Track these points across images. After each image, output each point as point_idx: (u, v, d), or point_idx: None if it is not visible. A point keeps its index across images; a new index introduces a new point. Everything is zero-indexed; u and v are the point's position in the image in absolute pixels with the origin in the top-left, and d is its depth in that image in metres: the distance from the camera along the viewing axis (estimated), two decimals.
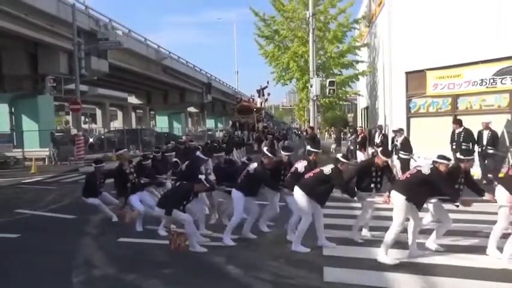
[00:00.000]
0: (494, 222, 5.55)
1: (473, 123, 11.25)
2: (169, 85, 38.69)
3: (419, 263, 5.32)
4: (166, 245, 6.33)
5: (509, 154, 11.12)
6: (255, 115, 27.18)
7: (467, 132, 10.88)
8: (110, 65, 24.13)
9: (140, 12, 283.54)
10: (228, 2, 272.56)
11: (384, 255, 5.36)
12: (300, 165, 6.46)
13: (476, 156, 10.86)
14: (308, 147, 6.99)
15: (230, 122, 34.44)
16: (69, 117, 58.93)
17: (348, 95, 23.78)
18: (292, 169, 6.50)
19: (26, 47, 20.65)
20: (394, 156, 12.07)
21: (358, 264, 5.32)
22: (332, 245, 5.99)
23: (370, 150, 13.55)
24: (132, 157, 8.36)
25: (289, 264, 5.41)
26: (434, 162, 5.54)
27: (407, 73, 14.83)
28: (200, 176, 6.50)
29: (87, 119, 63.46)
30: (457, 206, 5.53)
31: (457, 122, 11.14)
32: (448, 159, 5.53)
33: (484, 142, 10.69)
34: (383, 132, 14.18)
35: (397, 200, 5.36)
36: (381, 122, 17.62)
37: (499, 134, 10.86)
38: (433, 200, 5.71)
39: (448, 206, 5.78)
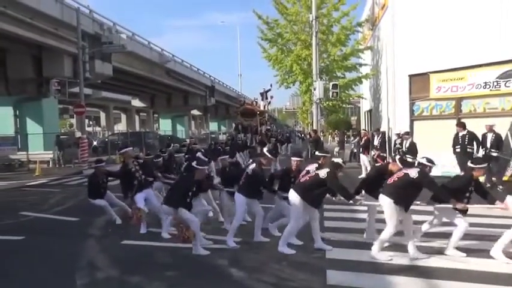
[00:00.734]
0: (496, 225, 5.55)
1: (477, 126, 11.22)
2: (172, 88, 38.84)
3: (421, 266, 5.33)
4: (170, 247, 6.37)
5: None
6: (258, 118, 27.13)
7: (471, 135, 10.86)
8: (114, 68, 24.28)
9: (143, 16, 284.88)
10: (231, 6, 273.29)
11: (377, 251, 5.45)
12: (312, 168, 6.46)
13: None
14: (317, 152, 6.99)
15: (233, 125, 34.47)
16: (73, 120, 59.20)
17: (351, 98, 23.75)
18: (303, 172, 6.50)
19: (31, 51, 20.83)
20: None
21: (361, 267, 5.32)
22: (329, 247, 6.01)
23: (373, 153, 13.54)
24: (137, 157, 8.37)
25: (292, 267, 5.42)
26: (421, 165, 5.61)
27: (410, 76, 14.81)
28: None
29: (91, 122, 63.77)
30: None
31: (461, 125, 11.13)
32: (433, 163, 5.62)
33: (488, 145, 10.67)
34: (381, 134, 14.17)
35: (385, 204, 5.46)
36: (384, 124, 17.60)
37: (503, 136, 10.82)
38: (441, 205, 5.69)
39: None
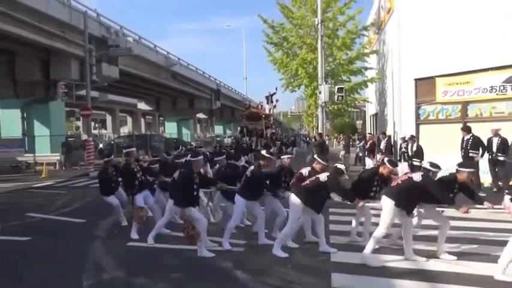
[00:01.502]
0: (500, 230, 5.52)
1: (483, 130, 11.17)
2: (178, 91, 38.99)
3: (425, 270, 5.31)
4: (175, 249, 6.40)
5: None
6: (264, 121, 27.13)
7: (475, 139, 10.80)
8: (120, 71, 24.43)
9: (149, 19, 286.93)
10: (237, 9, 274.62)
11: (369, 252, 5.49)
12: (305, 170, 6.55)
13: (486, 163, 10.83)
14: (315, 156, 7.01)
15: (238, 128, 34.51)
16: (80, 123, 59.57)
17: (356, 102, 23.74)
18: (297, 174, 6.59)
19: (39, 54, 21.03)
20: (404, 164, 12.05)
21: (366, 270, 5.31)
22: (333, 250, 6.02)
23: (379, 157, 13.51)
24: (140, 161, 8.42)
25: (297, 269, 5.42)
26: (425, 169, 5.62)
27: (416, 80, 14.79)
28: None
29: (97, 125, 64.13)
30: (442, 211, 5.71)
31: (466, 129, 11.08)
32: (439, 168, 5.64)
33: (494, 149, 10.61)
34: (387, 138, 14.13)
35: (386, 205, 5.49)
36: (390, 128, 17.56)
37: (510, 140, 10.76)
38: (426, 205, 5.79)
39: (452, 213, 5.75)
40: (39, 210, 10.08)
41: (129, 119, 62.03)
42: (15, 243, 7.15)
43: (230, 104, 53.52)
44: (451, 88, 13.49)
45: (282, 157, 6.97)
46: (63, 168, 21.01)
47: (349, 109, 26.42)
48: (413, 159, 11.57)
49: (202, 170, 7.63)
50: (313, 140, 24.63)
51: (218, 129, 63.75)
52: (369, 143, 14.94)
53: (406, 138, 12.64)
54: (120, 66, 24.33)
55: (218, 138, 46.22)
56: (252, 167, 6.57)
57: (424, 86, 14.45)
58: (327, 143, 19.34)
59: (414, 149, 11.94)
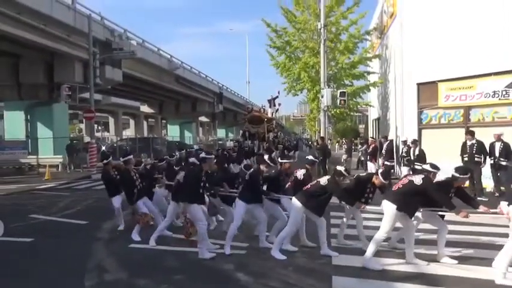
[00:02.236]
0: (501, 235, 5.53)
1: (485, 135, 11.17)
2: (181, 95, 39.11)
3: (426, 273, 5.32)
4: (177, 251, 6.43)
5: None
6: (266, 125, 27.16)
7: (480, 144, 10.82)
8: (124, 74, 24.54)
9: (153, 23, 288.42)
10: (241, 14, 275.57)
11: (370, 256, 5.51)
12: (299, 173, 6.60)
13: (488, 168, 10.83)
14: (309, 157, 7.08)
15: (240, 132, 34.58)
16: (83, 125, 59.79)
17: (359, 106, 23.72)
18: (292, 178, 6.68)
19: (43, 57, 21.16)
20: (405, 168, 12.07)
21: (367, 273, 5.32)
22: (335, 253, 6.03)
23: (380, 161, 13.54)
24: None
25: (298, 272, 5.44)
26: (425, 171, 5.65)
27: (419, 84, 14.79)
28: None
29: (100, 127, 64.30)
30: (443, 217, 5.74)
31: (470, 134, 11.09)
32: (438, 169, 5.69)
33: (497, 154, 10.63)
34: (388, 142, 14.14)
35: (388, 209, 5.51)
36: (392, 133, 17.55)
37: None
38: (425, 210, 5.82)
39: (453, 218, 5.75)
40: (42, 211, 10.14)
41: (132, 122, 62.21)
42: (18, 244, 7.20)
43: (232, 107, 53.64)
44: (454, 93, 13.49)
45: (281, 161, 7.01)
46: (68, 170, 21.08)
47: (352, 113, 26.39)
48: (416, 163, 11.59)
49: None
50: (315, 143, 24.64)
51: (220, 133, 63.85)
52: (371, 147, 14.95)
53: (408, 142, 12.66)
54: (124, 69, 24.46)
55: (220, 142, 46.27)
56: (251, 170, 6.61)
57: (427, 91, 14.45)
58: (329, 147, 19.35)
59: (416, 153, 11.96)
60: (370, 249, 5.54)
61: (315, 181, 6.15)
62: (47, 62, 21.57)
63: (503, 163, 10.51)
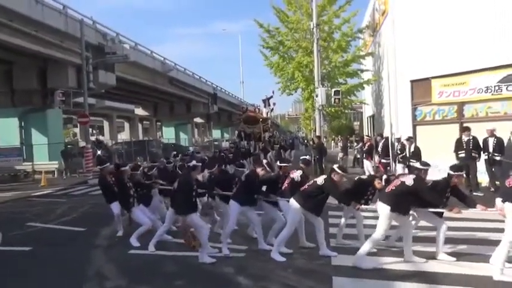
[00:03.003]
0: (498, 230, 5.59)
1: (479, 131, 11.26)
2: (175, 96, 39.07)
3: (425, 271, 5.37)
4: (177, 256, 6.43)
5: None
6: (261, 125, 27.22)
7: (475, 140, 10.92)
8: (117, 78, 24.47)
9: (144, 25, 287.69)
10: (233, 14, 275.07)
11: (363, 254, 5.56)
12: (296, 175, 6.63)
13: (483, 163, 10.93)
14: (304, 157, 7.13)
15: (236, 132, 34.57)
16: (77, 130, 59.45)
17: (353, 104, 23.81)
18: (288, 179, 6.69)
19: (36, 63, 21.05)
20: (400, 166, 12.14)
21: (367, 274, 5.36)
22: (334, 254, 6.07)
23: (376, 158, 13.60)
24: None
25: (298, 274, 5.47)
26: (417, 169, 5.72)
27: (412, 81, 14.88)
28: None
29: (94, 131, 63.98)
30: (441, 214, 5.82)
31: (467, 130, 11.19)
32: (429, 165, 5.80)
33: (490, 149, 10.71)
34: (384, 139, 14.18)
35: (382, 211, 5.57)
36: (387, 130, 17.63)
37: (505, 140, 10.86)
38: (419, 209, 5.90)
39: (449, 214, 5.81)
40: (39, 219, 10.10)
41: (127, 125, 61.85)
42: (16, 253, 7.17)
43: (227, 108, 53.63)
44: (447, 89, 13.58)
45: (280, 164, 7.03)
46: (65, 176, 20.98)
47: (346, 111, 26.49)
48: (411, 160, 11.67)
49: (200, 177, 7.69)
50: (311, 142, 24.69)
51: (216, 133, 63.82)
52: (366, 145, 15.01)
53: (402, 140, 12.72)
54: (117, 73, 24.39)
55: (216, 143, 46.27)
56: (247, 172, 6.63)
57: (420, 87, 14.53)
58: (325, 145, 19.38)
59: (412, 150, 12.03)
60: (365, 248, 5.58)
61: (312, 181, 6.18)
62: (40, 68, 21.47)
63: (498, 158, 10.59)
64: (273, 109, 33.19)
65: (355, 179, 6.67)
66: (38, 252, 7.17)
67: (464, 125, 12.35)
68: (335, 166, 6.24)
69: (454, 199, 5.87)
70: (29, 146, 22.19)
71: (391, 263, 5.73)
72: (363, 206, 6.33)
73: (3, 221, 9.91)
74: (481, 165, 11.05)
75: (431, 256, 5.79)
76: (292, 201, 6.07)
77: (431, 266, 5.51)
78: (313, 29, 18.29)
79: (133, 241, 7.18)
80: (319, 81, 18.36)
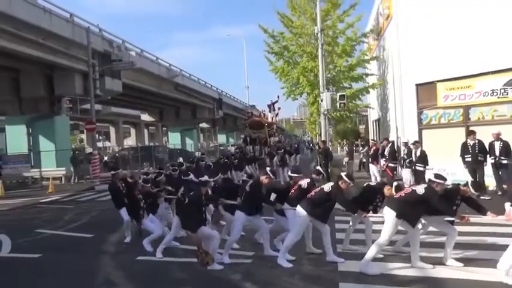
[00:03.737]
0: (507, 235, 5.56)
1: (486, 134, 11.22)
2: (181, 102, 39.27)
3: (432, 277, 5.34)
4: (184, 262, 6.46)
5: None
6: (267, 130, 27.21)
7: (481, 144, 10.89)
8: (124, 85, 24.66)
9: (150, 30, 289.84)
10: (236, 18, 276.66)
11: (369, 260, 5.54)
12: (304, 182, 6.60)
13: (489, 167, 10.88)
14: (317, 167, 7.09)
15: (241, 137, 34.64)
16: (84, 136, 59.83)
17: (358, 108, 23.79)
18: (296, 186, 6.63)
19: (43, 70, 21.28)
20: (406, 170, 12.09)
21: (374, 279, 5.35)
22: (341, 260, 6.06)
23: (382, 163, 13.55)
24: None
25: (305, 280, 5.47)
26: (430, 181, 5.67)
27: (417, 85, 14.86)
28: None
29: (100, 137, 64.36)
30: (452, 222, 5.75)
31: (472, 134, 11.16)
32: (445, 179, 5.67)
33: (497, 153, 10.67)
34: (390, 144, 14.12)
35: (388, 216, 5.55)
36: (392, 134, 17.61)
37: (511, 143, 10.80)
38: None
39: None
40: (47, 226, 10.18)
41: (133, 131, 62.24)
42: (26, 260, 7.24)
43: (232, 112, 53.77)
44: (452, 92, 13.54)
45: (291, 175, 7.00)
46: (72, 182, 21.11)
47: (351, 115, 26.46)
48: (417, 165, 11.64)
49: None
50: (316, 146, 24.64)
51: (221, 138, 63.92)
52: (372, 149, 14.96)
53: (409, 144, 12.69)
54: (123, 80, 24.58)
55: (221, 147, 46.34)
56: (251, 181, 6.60)
57: (425, 91, 14.51)
58: (330, 149, 19.36)
59: (418, 154, 11.99)
60: (370, 253, 5.57)
61: (319, 188, 6.18)
62: (47, 75, 21.70)
63: (504, 161, 10.55)
64: (278, 114, 33.18)
65: (364, 185, 6.64)
66: (47, 259, 7.23)
67: (470, 128, 12.32)
68: (343, 174, 6.23)
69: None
70: (37, 152, 22.40)
71: (398, 268, 5.71)
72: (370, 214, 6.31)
73: (12, 228, 10.00)
74: (487, 169, 11.01)
75: (439, 262, 5.77)
76: (299, 208, 6.07)
77: (439, 272, 5.48)
78: (317, 33, 18.36)
79: (147, 245, 7.22)
80: (324, 85, 18.40)
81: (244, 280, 5.58)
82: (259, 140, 26.58)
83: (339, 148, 36.91)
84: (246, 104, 54.65)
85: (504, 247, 5.49)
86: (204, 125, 55.36)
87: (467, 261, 5.79)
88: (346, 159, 19.18)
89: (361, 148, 21.45)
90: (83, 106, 22.13)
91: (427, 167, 11.43)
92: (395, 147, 14.83)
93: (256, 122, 28.50)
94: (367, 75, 21.62)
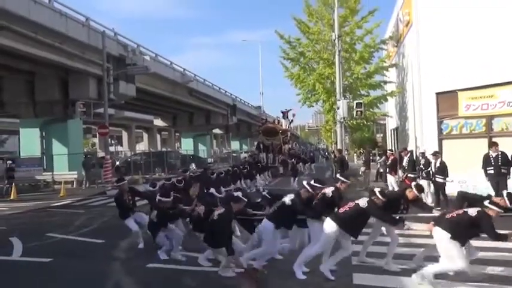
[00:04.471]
0: None
1: (509, 145, 11.02)
2: (194, 107, 39.58)
3: None
4: (196, 270, 6.46)
5: None
6: (281, 137, 27.14)
7: (504, 156, 10.67)
8: (137, 89, 25.01)
9: (165, 34, 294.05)
10: (252, 23, 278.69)
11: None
12: (328, 190, 6.51)
13: None
14: (338, 176, 6.98)
15: (255, 144, 34.63)
16: (96, 140, 60.74)
17: (376, 116, 23.64)
18: (320, 195, 6.47)
19: (58, 74, 21.76)
20: (424, 182, 11.92)
21: None
22: (331, 277, 5.89)
23: (400, 173, 13.40)
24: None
25: None
26: (484, 206, 5.44)
27: (437, 94, 14.70)
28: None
29: (113, 141, 65.25)
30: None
31: (495, 145, 10.95)
32: (502, 208, 5.37)
33: None
34: (409, 154, 13.96)
35: (442, 238, 5.37)
36: (411, 143, 17.42)
37: None
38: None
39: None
40: (58, 230, 10.29)
41: (145, 136, 62.98)
42: (37, 264, 7.33)
43: (246, 119, 53.93)
44: (474, 102, 13.36)
45: (314, 184, 6.85)
46: (85, 186, 21.39)
47: (369, 123, 26.31)
48: (437, 176, 11.46)
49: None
50: (332, 155, 24.50)
51: (234, 145, 64.09)
52: (390, 159, 14.82)
53: (426, 154, 12.52)
54: (137, 84, 24.92)
55: (234, 154, 46.43)
56: (292, 196, 6.36)
57: (446, 100, 14.34)
58: (346, 158, 19.25)
59: (438, 165, 11.81)
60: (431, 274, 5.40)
61: (353, 203, 6.02)
62: (62, 78, 22.16)
63: None
64: (292, 120, 33.23)
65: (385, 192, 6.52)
66: (57, 263, 7.31)
67: (494, 139, 12.10)
68: (376, 190, 6.14)
69: None
70: (50, 156, 22.78)
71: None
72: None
73: (23, 231, 10.14)
74: (511, 182, 10.78)
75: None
76: (329, 221, 5.93)
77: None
78: (334, 40, 18.38)
79: (162, 255, 7.23)
80: (341, 93, 18.35)
81: None
82: (272, 147, 26.49)
83: (355, 157, 36.61)
84: (252, 105, 54.60)
85: None
86: (217, 131, 55.66)
87: (489, 278, 5.66)
88: (362, 168, 19.03)
89: (378, 157, 21.28)
90: (96, 110, 22.48)
91: (446, 179, 11.25)
92: (414, 157, 14.66)
93: (270, 128, 28.37)
94: (385, 82, 21.51)
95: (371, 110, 21.71)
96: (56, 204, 15.66)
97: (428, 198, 11.50)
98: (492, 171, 10.68)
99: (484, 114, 13.22)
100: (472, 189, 11.57)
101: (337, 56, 18.35)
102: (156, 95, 31.09)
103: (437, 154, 12.14)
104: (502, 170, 10.56)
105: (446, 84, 14.15)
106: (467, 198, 6.50)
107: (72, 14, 19.15)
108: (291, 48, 21.54)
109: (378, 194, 5.99)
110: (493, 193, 8.67)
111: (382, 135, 41.11)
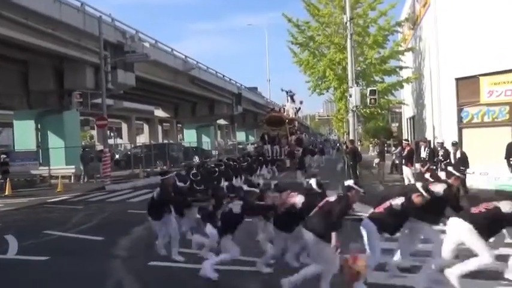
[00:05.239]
0: None
1: None
2: (197, 97, 39.52)
3: None
4: (198, 269, 6.49)
5: None
6: (288, 127, 26.51)
7: None
8: (137, 78, 24.97)
9: (164, 20, 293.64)
10: (256, 6, 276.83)
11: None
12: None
13: None
14: (348, 183, 5.93)
15: (260, 135, 34.28)
16: (94, 132, 61.06)
17: (391, 104, 23.46)
18: (321, 203, 5.78)
19: (53, 62, 21.76)
20: (443, 173, 11.82)
21: None
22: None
23: (418, 166, 13.30)
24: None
25: None
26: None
27: (457, 79, 14.55)
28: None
29: (112, 134, 65.55)
30: None
31: None
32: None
33: None
34: (429, 145, 13.83)
35: (466, 230, 5.30)
36: (429, 132, 17.31)
37: None
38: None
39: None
40: (56, 227, 10.40)
41: (146, 127, 63.15)
42: (33, 263, 7.42)
43: (252, 108, 53.80)
44: (498, 88, 13.21)
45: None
46: (83, 181, 21.54)
47: (383, 112, 26.12)
48: (461, 168, 11.33)
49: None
50: (344, 146, 24.37)
51: (240, 136, 64.06)
52: (406, 150, 14.71)
53: (444, 144, 12.40)
54: (137, 73, 24.89)
55: (240, 146, 46.39)
56: (336, 196, 5.84)
57: (467, 86, 14.20)
58: (359, 149, 19.14)
59: (458, 155, 11.71)
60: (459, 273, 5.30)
61: (388, 203, 5.87)
62: (56, 68, 22.17)
63: None
64: (300, 108, 32.24)
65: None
66: (55, 262, 7.40)
67: None
68: (418, 185, 6.06)
69: None
70: (46, 149, 22.89)
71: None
72: None
73: (19, 229, 10.25)
74: None
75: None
76: (367, 222, 5.85)
77: None
78: (346, 23, 18.16)
79: (176, 256, 7.17)
80: (353, 79, 18.19)
81: None
82: (278, 138, 25.93)
83: (370, 147, 36.35)
84: (269, 100, 54.44)
85: None
86: (221, 121, 55.64)
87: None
88: (376, 160, 18.92)
89: (393, 148, 21.15)
90: (93, 101, 22.50)
91: (467, 171, 11.14)
92: (433, 147, 14.56)
93: (275, 117, 27.37)
94: (401, 68, 21.31)
95: (385, 97, 21.53)
96: (53, 200, 15.82)
97: None
98: None
99: (508, 101, 13.08)
100: (494, 182, 11.52)
101: (348, 40, 18.14)
102: (157, 84, 31.07)
103: (456, 145, 12.04)
104: None
105: (466, 69, 13.98)
106: None
107: None
108: (299, 32, 21.37)
109: (421, 189, 5.84)
110: None
111: (397, 124, 40.79)
